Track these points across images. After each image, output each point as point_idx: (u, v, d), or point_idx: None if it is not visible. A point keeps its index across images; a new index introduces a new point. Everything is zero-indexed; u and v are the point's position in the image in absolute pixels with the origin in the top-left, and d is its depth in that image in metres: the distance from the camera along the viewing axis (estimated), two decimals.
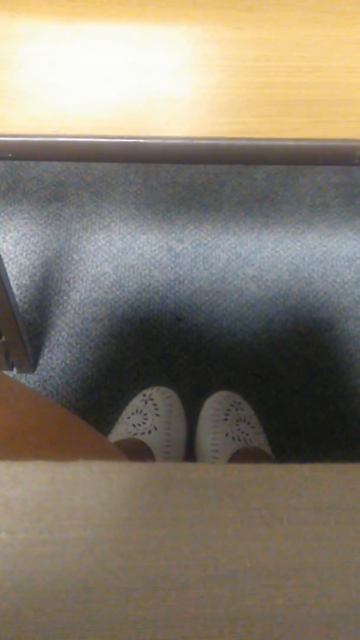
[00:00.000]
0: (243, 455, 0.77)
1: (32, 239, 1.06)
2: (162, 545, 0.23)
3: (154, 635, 0.20)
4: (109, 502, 0.24)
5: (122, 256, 1.04)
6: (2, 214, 1.09)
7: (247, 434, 0.81)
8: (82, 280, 1.02)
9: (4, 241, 1.06)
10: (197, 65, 0.42)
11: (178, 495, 0.25)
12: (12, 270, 1.03)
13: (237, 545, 0.24)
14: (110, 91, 0.41)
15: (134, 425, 0.82)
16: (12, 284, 0.99)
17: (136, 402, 0.87)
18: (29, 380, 0.93)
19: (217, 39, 0.43)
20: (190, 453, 0.85)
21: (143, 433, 0.80)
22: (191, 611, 0.21)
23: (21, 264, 1.03)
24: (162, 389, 0.87)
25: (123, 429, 0.82)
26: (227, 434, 0.80)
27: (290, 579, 0.23)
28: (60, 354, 0.95)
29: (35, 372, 0.93)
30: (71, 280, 1.02)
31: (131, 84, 0.41)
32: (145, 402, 0.85)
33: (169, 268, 1.03)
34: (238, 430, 0.81)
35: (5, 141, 0.39)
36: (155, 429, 0.80)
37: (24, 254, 1.04)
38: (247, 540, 0.24)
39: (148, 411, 0.83)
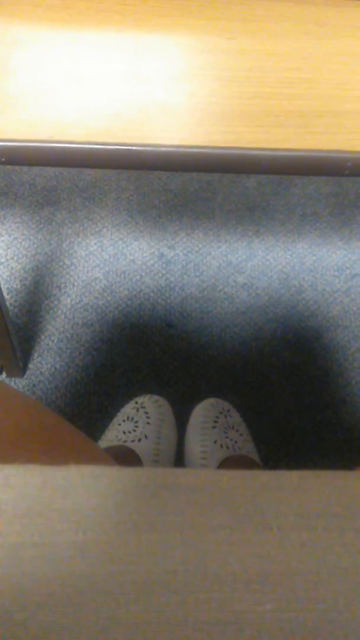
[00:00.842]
0: (231, 463, 0.77)
1: (23, 243, 1.06)
2: (152, 550, 0.23)
3: (144, 639, 0.20)
4: (100, 506, 0.24)
5: (114, 262, 1.04)
6: None
7: (235, 442, 0.81)
8: (73, 285, 1.02)
9: None
10: (191, 75, 0.42)
11: (168, 501, 0.25)
12: (3, 274, 1.02)
13: (226, 550, 0.24)
14: (104, 98, 0.41)
15: (124, 433, 0.82)
16: (2, 288, 0.99)
17: (128, 409, 0.87)
18: (18, 384, 0.93)
19: (212, 49, 0.43)
20: (179, 463, 0.85)
21: (133, 441, 0.80)
22: (180, 616, 0.21)
23: (12, 267, 1.03)
24: (155, 397, 0.87)
25: (113, 435, 0.82)
26: (215, 441, 0.80)
27: (279, 584, 0.23)
28: (50, 358, 0.95)
29: (25, 376, 0.93)
30: (62, 285, 1.02)
31: (125, 92, 0.41)
32: (137, 410, 0.85)
33: (160, 274, 1.03)
34: (227, 437, 0.81)
35: None
36: (146, 437, 0.80)
37: (15, 258, 1.04)
38: (237, 546, 0.24)
39: (139, 419, 0.83)
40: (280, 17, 0.45)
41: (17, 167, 1.14)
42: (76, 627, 0.20)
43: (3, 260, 1.04)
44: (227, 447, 0.80)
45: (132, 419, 0.84)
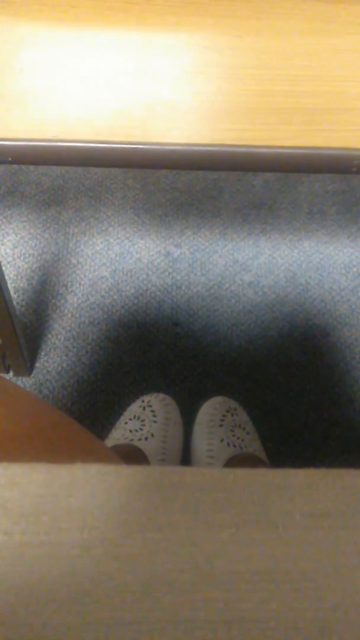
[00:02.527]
0: (238, 461, 0.77)
1: (30, 242, 1.06)
2: (158, 548, 0.23)
3: (149, 638, 0.20)
4: (106, 504, 0.24)
5: (120, 260, 1.04)
6: (1, 217, 1.09)
7: (242, 440, 0.81)
8: (79, 284, 1.02)
9: (2, 244, 1.06)
10: (197, 73, 0.42)
11: (174, 499, 0.25)
12: (9, 273, 1.03)
13: (232, 549, 0.24)
14: (110, 97, 0.41)
15: (130, 431, 0.82)
16: (9, 287, 0.99)
17: (134, 407, 0.87)
18: (25, 383, 0.93)
19: (218, 47, 0.43)
20: (185, 461, 0.85)
21: (140, 439, 0.80)
22: (186, 614, 0.21)
23: (19, 267, 1.03)
24: (161, 395, 0.87)
25: (120, 434, 0.82)
26: (222, 440, 0.80)
27: (285, 583, 0.23)
28: (56, 357, 0.95)
29: (32, 375, 0.93)
30: (69, 284, 1.02)
31: (131, 90, 0.41)
32: (144, 409, 0.85)
33: (167, 273, 1.03)
34: (233, 436, 0.81)
35: (6, 145, 0.39)
36: (152, 435, 0.80)
37: (22, 257, 1.05)
38: (242, 545, 0.24)
39: (146, 417, 0.83)
40: (286, 14, 0.45)
41: (23, 167, 1.14)
42: (81, 625, 0.21)
43: (10, 259, 1.04)
44: (234, 446, 0.80)
45: (139, 417, 0.84)
